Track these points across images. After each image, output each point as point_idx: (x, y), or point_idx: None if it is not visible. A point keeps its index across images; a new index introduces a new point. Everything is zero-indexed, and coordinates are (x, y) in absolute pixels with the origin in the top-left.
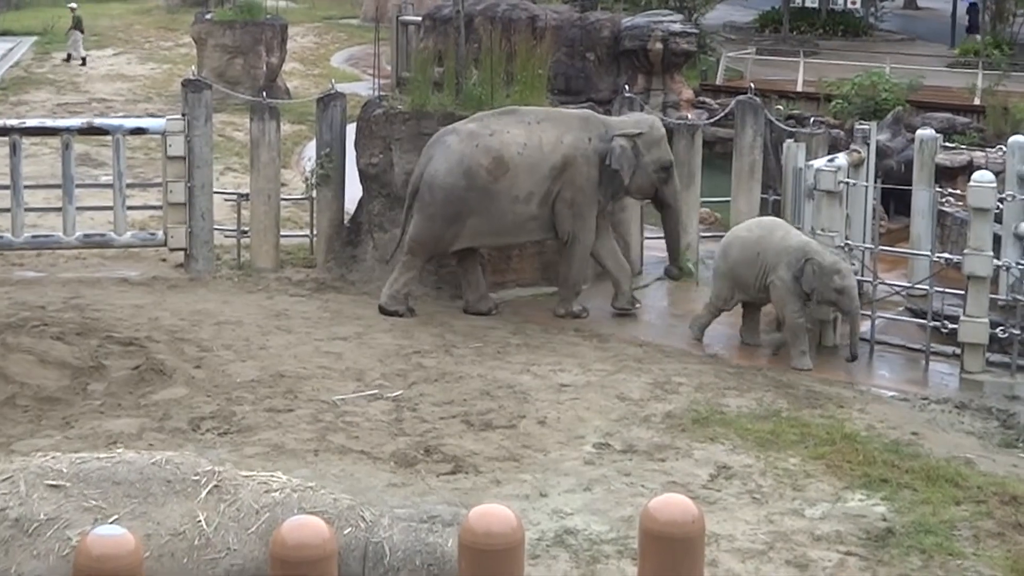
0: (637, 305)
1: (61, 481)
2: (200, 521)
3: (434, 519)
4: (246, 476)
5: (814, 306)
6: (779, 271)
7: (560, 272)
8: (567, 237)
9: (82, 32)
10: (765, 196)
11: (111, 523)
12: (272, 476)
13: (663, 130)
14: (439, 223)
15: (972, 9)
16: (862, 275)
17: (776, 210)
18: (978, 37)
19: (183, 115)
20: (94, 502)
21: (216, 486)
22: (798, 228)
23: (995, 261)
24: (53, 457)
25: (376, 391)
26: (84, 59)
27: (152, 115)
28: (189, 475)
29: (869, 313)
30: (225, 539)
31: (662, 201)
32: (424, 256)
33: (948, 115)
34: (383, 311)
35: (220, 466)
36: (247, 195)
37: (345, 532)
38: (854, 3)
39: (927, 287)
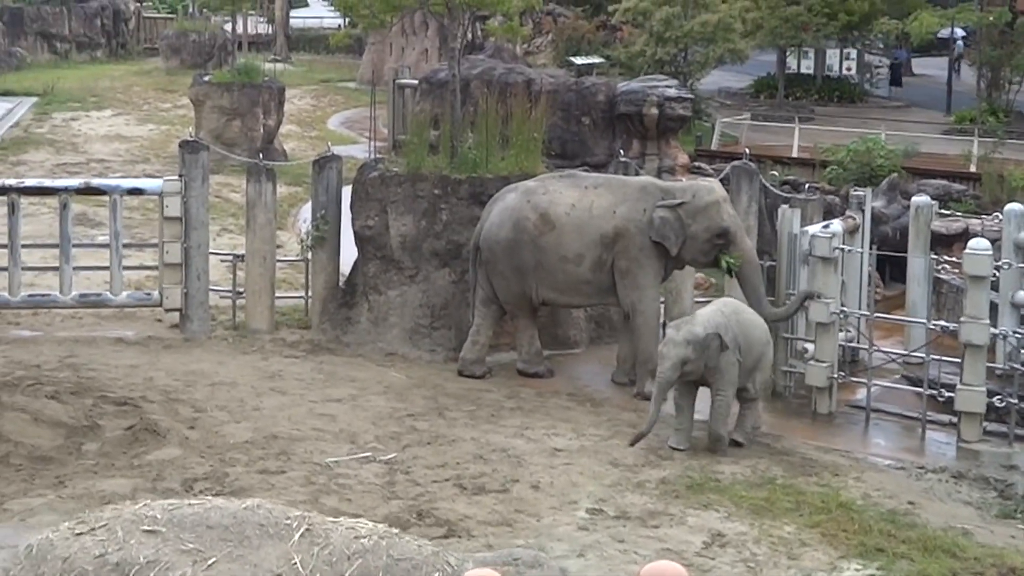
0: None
1: (157, 527)
2: (295, 564)
3: (517, 560)
4: (333, 522)
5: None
6: None
7: (633, 348)
8: (628, 309)
9: None
10: (760, 262)
11: (208, 566)
12: (358, 522)
13: (716, 195)
14: (510, 278)
15: (895, 65)
16: (858, 342)
17: (771, 275)
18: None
19: (180, 176)
20: (191, 545)
21: (308, 530)
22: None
23: (992, 329)
24: (145, 505)
25: (369, 454)
26: None
27: (149, 176)
28: (281, 519)
29: (865, 380)
30: None
31: (730, 270)
32: (524, 312)
33: (944, 182)
34: (524, 374)
35: (308, 512)
36: (243, 256)
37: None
38: (849, 69)
39: (923, 355)
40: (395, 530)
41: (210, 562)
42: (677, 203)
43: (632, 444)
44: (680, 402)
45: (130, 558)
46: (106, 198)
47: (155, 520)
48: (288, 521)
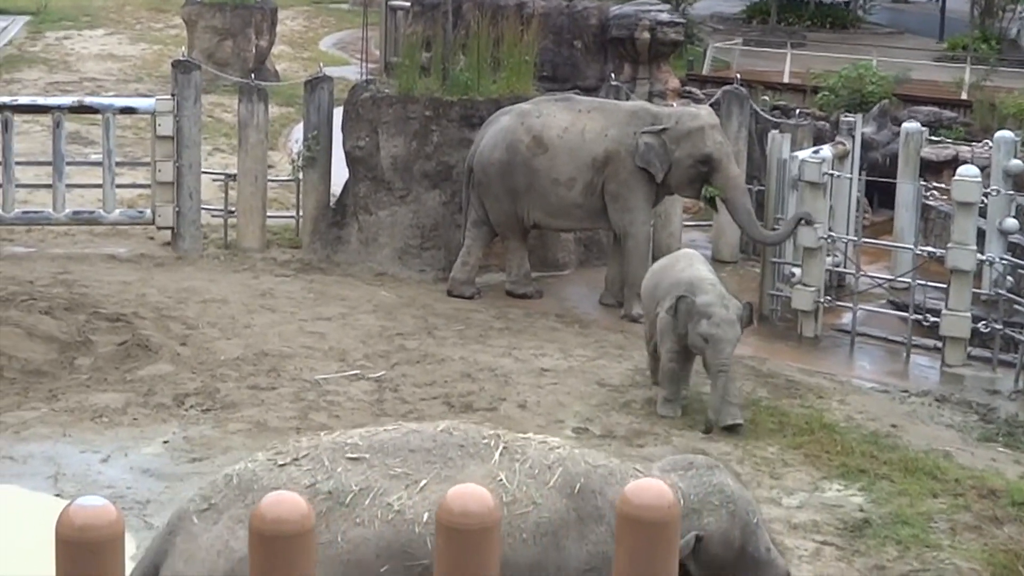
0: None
1: (360, 454)
2: (502, 480)
3: (692, 464)
4: (524, 438)
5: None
6: (664, 305)
7: (622, 271)
8: (619, 232)
9: None
10: (749, 186)
11: (420, 489)
12: (546, 437)
13: (701, 121)
14: (503, 200)
15: None
16: (844, 267)
17: (760, 200)
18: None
19: (173, 95)
20: (399, 470)
21: (505, 448)
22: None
23: (978, 255)
24: (341, 433)
25: (358, 371)
26: None
27: (142, 95)
28: (478, 439)
29: (851, 305)
30: (529, 494)
31: (710, 200)
32: (516, 235)
33: (934, 109)
34: (512, 295)
35: (498, 430)
36: (234, 176)
37: (628, 480)
38: None
39: (909, 280)
40: (578, 444)
41: (421, 485)
42: (661, 129)
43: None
44: (682, 373)
45: (342, 486)
46: (99, 117)
47: (357, 447)
48: (485, 440)
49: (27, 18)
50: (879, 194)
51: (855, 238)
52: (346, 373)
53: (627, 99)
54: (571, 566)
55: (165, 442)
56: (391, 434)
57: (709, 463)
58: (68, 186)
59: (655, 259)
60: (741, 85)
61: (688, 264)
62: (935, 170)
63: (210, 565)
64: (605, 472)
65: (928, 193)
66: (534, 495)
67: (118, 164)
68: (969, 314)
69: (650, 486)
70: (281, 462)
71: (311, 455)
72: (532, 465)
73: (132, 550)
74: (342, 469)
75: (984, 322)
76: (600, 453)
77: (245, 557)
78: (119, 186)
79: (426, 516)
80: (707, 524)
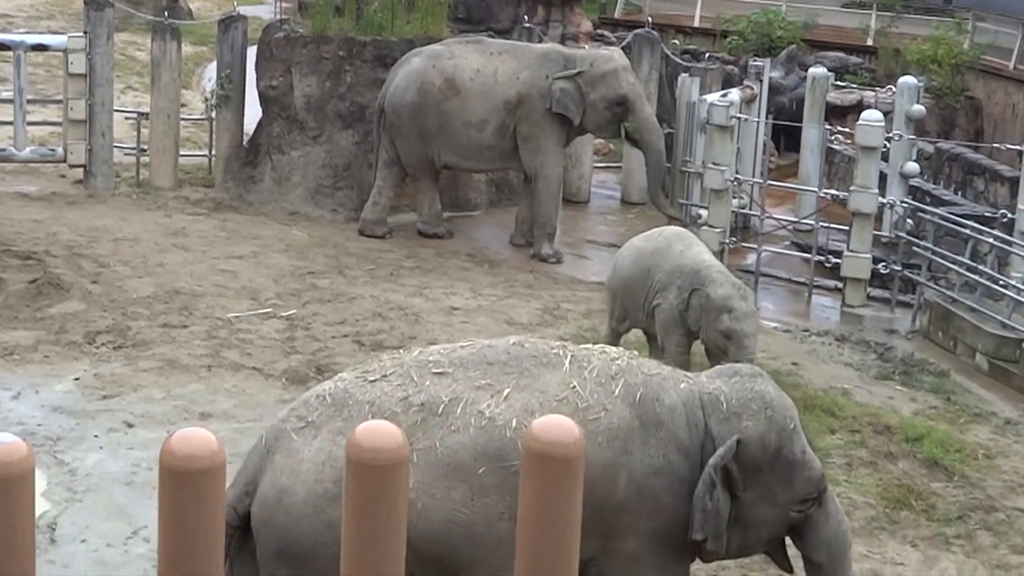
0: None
1: (444, 369)
2: (575, 387)
3: (737, 372)
4: (587, 348)
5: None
6: (668, 295)
7: (532, 212)
8: (530, 173)
9: None
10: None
11: (505, 397)
12: (604, 347)
13: (615, 63)
14: (415, 142)
15: None
16: (750, 209)
17: (669, 143)
18: None
19: (85, 33)
20: (483, 381)
21: (573, 357)
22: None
23: (880, 199)
24: (421, 351)
25: (270, 310)
26: None
27: (54, 32)
28: (548, 350)
29: (755, 246)
30: (600, 401)
31: (629, 136)
32: (427, 175)
33: (841, 55)
34: (423, 235)
35: (563, 342)
36: (147, 114)
37: (681, 386)
38: None
39: (813, 222)
40: (634, 352)
41: (505, 393)
42: (575, 73)
43: None
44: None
45: (433, 398)
46: (10, 54)
47: (439, 363)
48: (554, 351)
49: None
50: (785, 137)
51: (761, 180)
52: (258, 311)
53: (540, 42)
54: (638, 470)
55: (76, 379)
56: (468, 350)
57: (753, 371)
58: None
59: (565, 200)
60: (652, 29)
61: (686, 247)
62: (840, 114)
63: (316, 475)
64: (660, 379)
65: (833, 137)
66: (604, 402)
67: (29, 102)
68: (870, 256)
69: (557, 423)
70: (371, 378)
71: (398, 372)
72: (599, 374)
73: (43, 486)
74: (430, 383)
75: (884, 264)
76: (653, 361)
77: None
78: (30, 124)
79: (515, 422)
80: (746, 427)
